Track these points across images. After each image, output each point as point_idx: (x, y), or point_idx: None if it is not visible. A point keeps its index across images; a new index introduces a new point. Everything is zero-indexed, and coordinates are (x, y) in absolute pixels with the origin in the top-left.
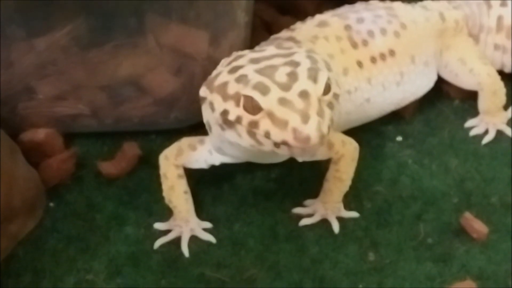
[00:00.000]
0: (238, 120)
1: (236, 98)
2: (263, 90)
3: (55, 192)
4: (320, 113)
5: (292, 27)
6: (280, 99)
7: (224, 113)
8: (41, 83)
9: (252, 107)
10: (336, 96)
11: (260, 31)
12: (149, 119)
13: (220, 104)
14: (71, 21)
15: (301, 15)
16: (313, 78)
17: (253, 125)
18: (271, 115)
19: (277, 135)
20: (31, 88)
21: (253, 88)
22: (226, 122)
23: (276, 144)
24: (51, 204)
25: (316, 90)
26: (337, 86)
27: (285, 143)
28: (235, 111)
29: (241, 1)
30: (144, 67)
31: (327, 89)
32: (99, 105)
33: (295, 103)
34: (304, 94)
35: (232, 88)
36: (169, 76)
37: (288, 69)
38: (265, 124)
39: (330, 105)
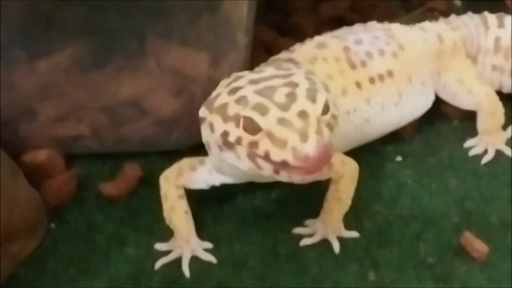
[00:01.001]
0: (238, 141)
1: (236, 119)
2: (262, 110)
3: (56, 212)
4: (319, 132)
5: (291, 48)
6: (279, 119)
7: (225, 134)
8: (42, 105)
9: (252, 127)
10: (334, 117)
11: (260, 52)
12: (150, 140)
13: (220, 125)
14: (72, 43)
15: (301, 36)
16: (312, 98)
17: (253, 145)
18: (270, 135)
19: (277, 154)
20: (33, 109)
21: (252, 108)
22: (226, 143)
23: (276, 170)
24: (52, 225)
25: (314, 110)
26: (335, 108)
27: (285, 162)
28: (235, 132)
29: (241, 22)
30: (145, 89)
31: (325, 110)
32: (100, 126)
33: (294, 123)
34: (303, 114)
35: (232, 109)
36: (170, 97)
37: (287, 89)
38: (264, 144)
39: (329, 126)
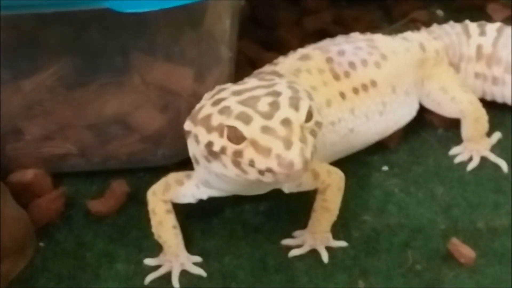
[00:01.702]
0: (223, 150)
1: (220, 129)
2: (246, 119)
3: (45, 231)
4: (303, 140)
5: (275, 61)
6: (262, 127)
7: (209, 144)
8: (28, 124)
9: (236, 137)
10: (318, 124)
11: (245, 67)
12: (136, 156)
13: (204, 136)
14: (56, 62)
15: (285, 50)
16: (295, 106)
17: (238, 154)
18: (254, 144)
19: (261, 163)
20: (19, 129)
21: (236, 118)
22: (211, 154)
23: (261, 172)
24: (41, 244)
25: (298, 117)
26: (318, 115)
27: (269, 170)
28: (219, 142)
29: (224, 37)
30: (130, 105)
31: (308, 117)
32: (87, 144)
33: (277, 131)
34: (286, 122)
35: (216, 120)
36: (155, 113)
37: (270, 99)
38: (249, 153)
39: (313, 133)
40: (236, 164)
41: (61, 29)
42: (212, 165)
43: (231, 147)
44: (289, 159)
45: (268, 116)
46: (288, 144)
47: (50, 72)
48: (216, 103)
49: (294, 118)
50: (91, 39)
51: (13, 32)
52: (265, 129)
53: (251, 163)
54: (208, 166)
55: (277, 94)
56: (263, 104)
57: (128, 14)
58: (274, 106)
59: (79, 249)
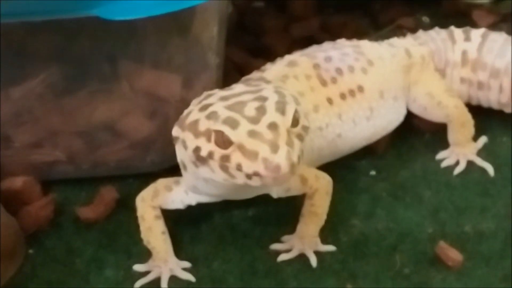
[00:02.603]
0: (210, 155)
1: (207, 134)
2: (233, 124)
3: (35, 238)
4: (290, 143)
5: (262, 68)
6: (249, 131)
7: (196, 149)
8: (17, 131)
9: (223, 141)
10: (305, 128)
11: (233, 73)
12: (125, 163)
13: (192, 141)
14: (45, 69)
15: (272, 57)
16: (281, 110)
17: (225, 159)
18: (241, 148)
19: (249, 167)
20: (8, 136)
21: (223, 123)
22: (199, 159)
23: (248, 176)
24: (31, 251)
25: (284, 122)
26: (305, 119)
27: (256, 174)
28: (207, 147)
29: (212, 43)
30: (119, 112)
31: (295, 122)
32: (76, 151)
33: (264, 135)
34: (273, 126)
35: (203, 125)
36: (144, 119)
37: (256, 104)
38: (236, 157)
39: (300, 137)
40: (224, 168)
41: (50, 37)
42: (200, 170)
43: (219, 152)
44: (276, 162)
45: (254, 120)
46: (274, 148)
47: (39, 80)
48: (203, 108)
49: (281, 122)
50: (80, 46)
51: (2, 40)
52: (252, 133)
53: (239, 167)
54: (196, 172)
55: (264, 99)
56: (250, 109)
57: (116, 22)
58: (261, 110)
59: (68, 256)
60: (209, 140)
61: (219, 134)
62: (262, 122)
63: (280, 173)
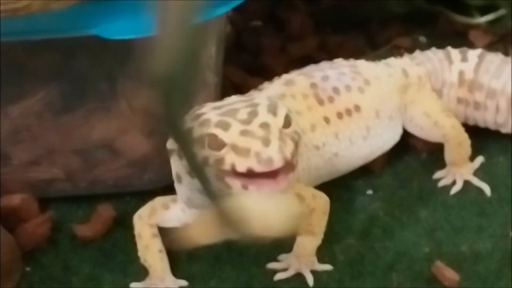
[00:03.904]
0: (205, 161)
1: (201, 140)
2: (225, 126)
3: (31, 256)
4: (282, 140)
5: (260, 87)
6: (241, 131)
7: None
8: (15, 149)
9: (216, 144)
10: (297, 133)
11: (230, 92)
12: (123, 181)
13: None
14: (44, 88)
15: (270, 76)
16: (273, 112)
17: (219, 162)
18: (234, 147)
19: (242, 164)
20: (6, 154)
21: (215, 126)
22: None
23: (244, 186)
24: (28, 268)
25: (276, 122)
26: (297, 125)
27: (250, 171)
28: (201, 153)
29: (210, 63)
30: (117, 130)
31: (287, 123)
32: (73, 169)
33: (256, 132)
34: (264, 125)
35: (197, 132)
36: (142, 138)
37: (249, 109)
38: (230, 158)
39: (292, 140)
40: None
41: (49, 55)
42: (195, 180)
43: (213, 156)
44: (268, 155)
45: (246, 122)
46: (266, 142)
47: (37, 98)
48: (196, 117)
49: (273, 122)
50: (78, 65)
51: (1, 58)
52: (244, 132)
53: (233, 168)
54: (191, 182)
55: (256, 104)
56: (242, 113)
57: (115, 41)
58: (253, 113)
59: (65, 274)
60: (203, 146)
61: (212, 137)
62: (254, 122)
63: (273, 166)
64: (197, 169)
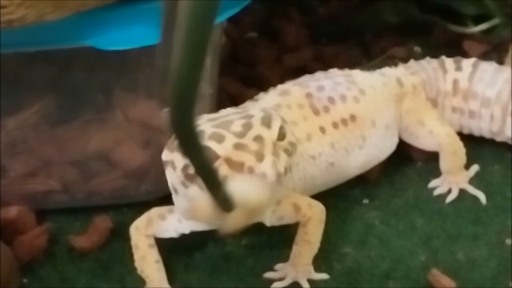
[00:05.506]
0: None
1: None
2: (219, 139)
3: (29, 268)
4: (276, 154)
5: (255, 97)
6: (235, 144)
7: (185, 168)
8: (12, 161)
9: (210, 156)
10: (292, 144)
11: (226, 103)
12: (119, 192)
13: (180, 161)
14: (40, 99)
15: (266, 87)
16: (267, 124)
17: None
18: (228, 161)
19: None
20: (3, 166)
21: (209, 138)
22: (188, 177)
23: None
24: (25, 280)
25: (270, 135)
26: (292, 136)
27: None
28: None
29: (205, 74)
30: (113, 142)
31: (281, 136)
32: (70, 180)
33: (249, 146)
34: (258, 138)
35: None
36: (138, 149)
37: (243, 121)
38: (223, 170)
39: (287, 151)
40: None
41: (45, 67)
42: (189, 190)
43: None
44: (261, 171)
45: (240, 134)
46: (260, 157)
47: (33, 110)
48: None
49: (267, 135)
50: (74, 76)
51: None
52: (238, 146)
53: (226, 181)
54: (186, 193)
55: (250, 116)
56: (236, 126)
57: (110, 52)
58: (247, 126)
59: (62, 285)
60: None
61: (206, 150)
62: (248, 135)
63: (266, 182)
64: (202, 171)
